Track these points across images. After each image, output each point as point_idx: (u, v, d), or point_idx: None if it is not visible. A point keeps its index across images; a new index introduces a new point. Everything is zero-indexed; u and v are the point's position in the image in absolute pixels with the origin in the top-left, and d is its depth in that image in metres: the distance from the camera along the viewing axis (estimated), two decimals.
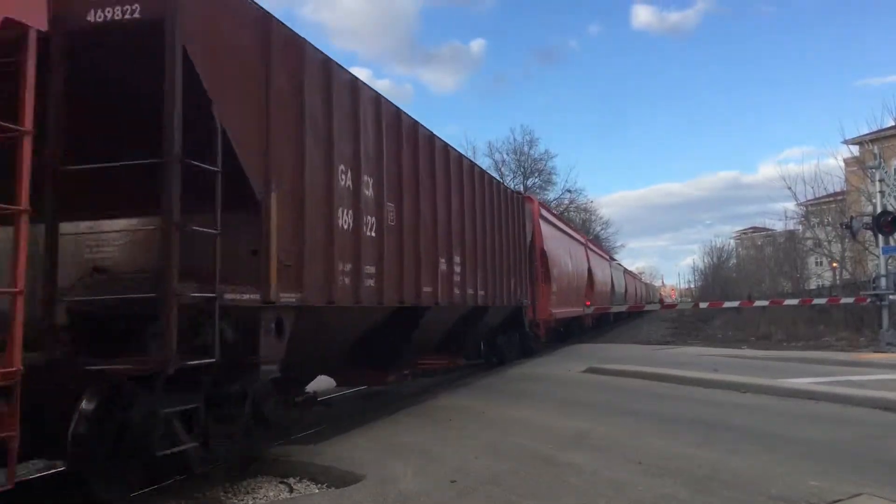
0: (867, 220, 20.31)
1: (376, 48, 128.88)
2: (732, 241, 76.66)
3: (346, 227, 7.20)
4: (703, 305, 32.35)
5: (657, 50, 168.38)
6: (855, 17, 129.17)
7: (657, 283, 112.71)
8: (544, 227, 19.50)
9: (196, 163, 4.83)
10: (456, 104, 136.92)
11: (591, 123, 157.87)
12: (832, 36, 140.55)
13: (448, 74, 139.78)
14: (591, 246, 32.10)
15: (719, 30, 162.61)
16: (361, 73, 10.20)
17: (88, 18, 4.87)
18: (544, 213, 20.81)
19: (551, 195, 50.96)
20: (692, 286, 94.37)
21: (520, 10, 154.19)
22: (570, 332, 25.71)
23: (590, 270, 28.09)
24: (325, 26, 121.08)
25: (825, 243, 31.22)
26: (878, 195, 20.53)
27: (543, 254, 18.62)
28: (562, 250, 22.10)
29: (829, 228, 30.93)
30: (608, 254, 43.68)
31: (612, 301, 34.18)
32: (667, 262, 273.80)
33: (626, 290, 45.22)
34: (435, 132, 10.65)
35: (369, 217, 7.75)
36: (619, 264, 49.26)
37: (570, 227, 29.30)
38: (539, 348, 18.57)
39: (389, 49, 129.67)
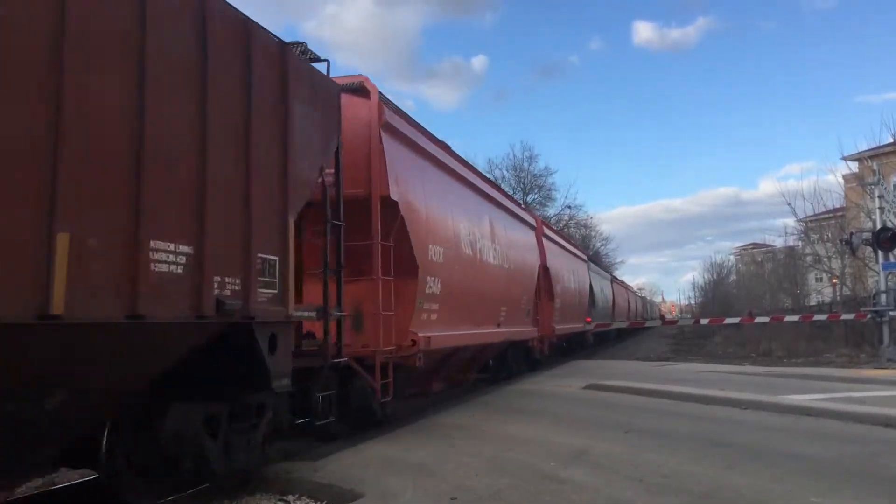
0: (867, 236, 20.32)
1: (378, 64, 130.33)
2: (732, 258, 76.70)
3: None
4: (703, 322, 32.25)
5: (658, 66, 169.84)
6: (854, 34, 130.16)
7: (657, 300, 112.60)
8: (398, 152, 9.35)
9: None
10: (457, 120, 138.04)
11: (592, 139, 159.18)
12: (832, 52, 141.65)
13: (449, 90, 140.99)
14: (553, 233, 22.11)
15: (719, 46, 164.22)
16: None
17: None
18: (397, 123, 9.53)
19: (551, 211, 51.01)
20: (692, 302, 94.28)
21: (521, 25, 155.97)
22: (504, 369, 15.77)
23: (546, 268, 18.62)
24: (327, 42, 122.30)
25: (825, 259, 31.18)
26: (878, 211, 20.56)
27: (391, 208, 8.79)
28: (465, 216, 11.75)
29: (829, 244, 30.91)
30: (586, 253, 32.85)
31: (590, 314, 26.56)
32: (668, 279, 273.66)
33: (613, 303, 35.84)
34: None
35: None
36: (606, 271, 41.41)
37: (499, 191, 16.98)
38: (339, 434, 8.26)
39: (391, 65, 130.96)
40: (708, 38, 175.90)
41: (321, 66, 7.34)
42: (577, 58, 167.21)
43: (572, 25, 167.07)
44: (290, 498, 5.97)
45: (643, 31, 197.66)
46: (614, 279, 43.17)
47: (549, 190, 51.29)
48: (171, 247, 4.75)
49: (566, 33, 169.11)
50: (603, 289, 32.61)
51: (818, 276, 36.89)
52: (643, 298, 73.84)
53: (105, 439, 5.21)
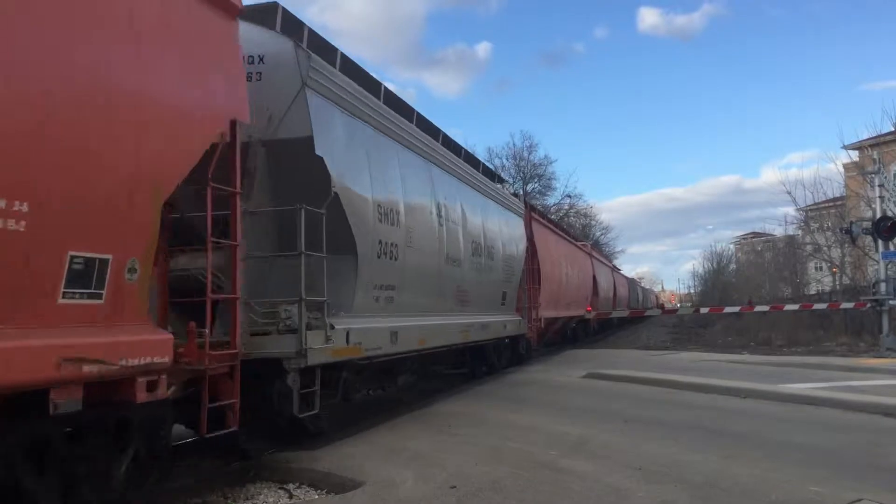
0: (866, 225, 20.31)
1: (381, 51, 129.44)
2: (732, 247, 76.64)
3: None
4: (703, 311, 32.26)
5: (662, 53, 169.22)
6: (860, 22, 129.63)
7: (657, 289, 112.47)
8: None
9: None
10: (460, 108, 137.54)
11: (595, 127, 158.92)
12: (837, 40, 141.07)
13: (453, 78, 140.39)
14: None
15: (725, 33, 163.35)
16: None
17: None
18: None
19: (551, 200, 50.83)
20: (692, 291, 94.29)
21: (526, 12, 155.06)
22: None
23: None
24: (330, 29, 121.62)
25: (825, 248, 31.17)
26: (878, 200, 20.53)
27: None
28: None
29: (829, 233, 30.89)
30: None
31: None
32: (669, 268, 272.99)
33: (563, 281, 21.36)
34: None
35: None
36: (574, 240, 27.74)
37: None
38: None
39: (394, 52, 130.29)
40: (713, 25, 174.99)
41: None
42: (581, 45, 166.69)
43: (578, 12, 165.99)
44: (291, 486, 5.98)
45: (648, 17, 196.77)
46: (559, 231, 24.27)
47: (548, 179, 51.16)
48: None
49: (572, 20, 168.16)
50: (500, 241, 14.69)
51: (818, 266, 36.87)
52: (632, 280, 60.89)
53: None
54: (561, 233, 24.32)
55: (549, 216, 27.66)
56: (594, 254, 32.81)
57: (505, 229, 14.67)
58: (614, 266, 48.22)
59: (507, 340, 15.44)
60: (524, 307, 16.24)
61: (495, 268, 13.72)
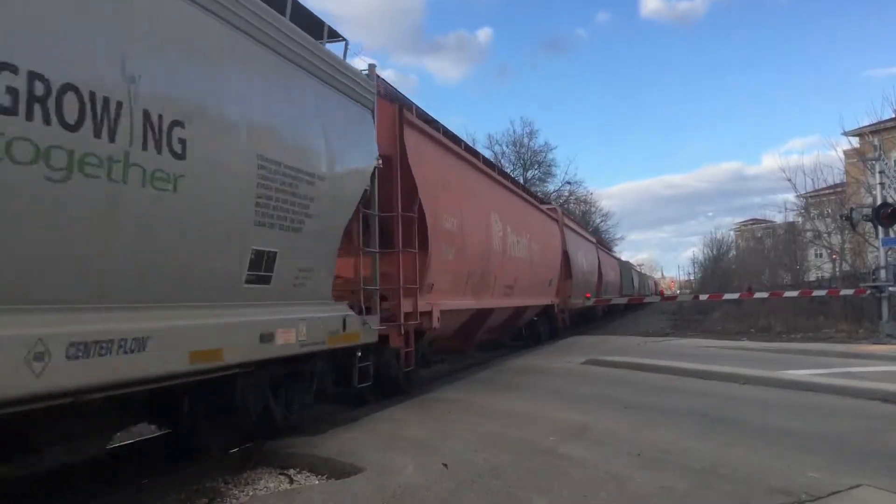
0: (867, 211, 20.29)
1: (382, 37, 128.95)
2: (732, 234, 76.60)
3: None
4: (703, 297, 32.29)
5: (665, 39, 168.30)
6: (863, 8, 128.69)
7: (657, 275, 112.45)
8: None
9: None
10: (461, 94, 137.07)
11: (596, 114, 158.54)
12: (840, 26, 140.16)
13: (454, 64, 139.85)
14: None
15: (727, 18, 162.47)
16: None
17: None
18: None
19: (551, 187, 50.64)
20: (692, 278, 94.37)
21: None
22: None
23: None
24: (331, 15, 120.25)
25: (825, 235, 31.17)
26: (878, 187, 20.52)
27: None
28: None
29: (829, 220, 30.87)
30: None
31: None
32: (669, 255, 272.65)
33: (494, 249, 13.45)
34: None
35: None
36: (530, 197, 20.08)
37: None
38: None
39: (395, 38, 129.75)
40: (714, 10, 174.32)
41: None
42: (583, 31, 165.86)
43: None
44: (291, 472, 6.00)
45: (651, 2, 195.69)
46: (488, 170, 14.58)
47: (548, 166, 51.03)
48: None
49: (574, 5, 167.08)
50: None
51: (818, 252, 36.87)
52: (624, 263, 50.76)
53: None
54: (494, 174, 15.12)
55: (462, 141, 14.06)
56: (568, 222, 24.18)
57: (291, 107, 6.50)
58: (600, 243, 37.88)
59: (342, 356, 7.73)
60: (372, 290, 8.32)
61: (216, 190, 5.32)
